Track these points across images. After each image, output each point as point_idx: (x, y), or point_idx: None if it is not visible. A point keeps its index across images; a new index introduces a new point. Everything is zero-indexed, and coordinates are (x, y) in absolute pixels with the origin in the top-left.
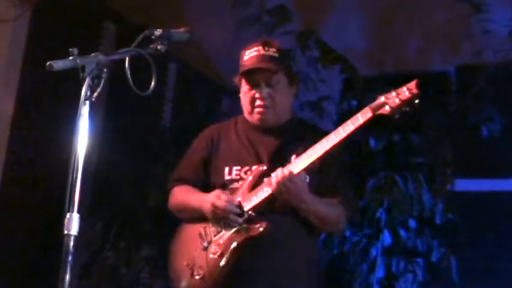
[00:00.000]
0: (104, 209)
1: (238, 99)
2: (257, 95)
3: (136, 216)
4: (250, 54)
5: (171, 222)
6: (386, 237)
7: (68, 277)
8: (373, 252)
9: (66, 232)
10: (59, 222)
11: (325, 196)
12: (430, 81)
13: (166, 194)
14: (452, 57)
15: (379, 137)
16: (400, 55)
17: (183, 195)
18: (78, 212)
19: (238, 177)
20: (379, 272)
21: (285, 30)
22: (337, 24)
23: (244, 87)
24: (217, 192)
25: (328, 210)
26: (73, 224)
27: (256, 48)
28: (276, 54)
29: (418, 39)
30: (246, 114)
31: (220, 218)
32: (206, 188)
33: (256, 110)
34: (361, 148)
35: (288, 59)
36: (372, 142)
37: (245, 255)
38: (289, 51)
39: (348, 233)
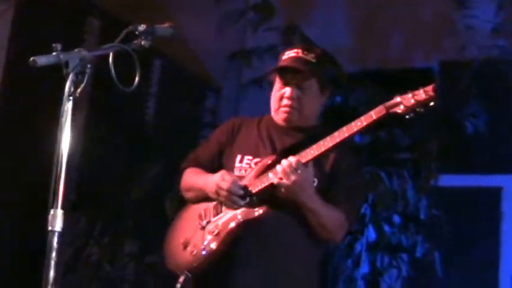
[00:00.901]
0: (88, 205)
1: (222, 96)
2: (286, 94)
3: (120, 212)
4: (289, 54)
5: (154, 218)
6: (371, 233)
7: (52, 274)
8: (358, 247)
9: (50, 228)
10: (42, 218)
11: (332, 202)
12: (413, 78)
13: (148, 188)
14: (436, 53)
15: (363, 132)
16: (384, 51)
17: (192, 176)
18: (62, 208)
19: (247, 166)
20: (364, 268)
21: (269, 26)
22: (321, 21)
23: (277, 84)
24: (222, 172)
25: (329, 214)
26: (57, 220)
27: (296, 50)
28: (313, 60)
29: (402, 36)
30: (272, 111)
31: (223, 198)
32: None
33: (282, 109)
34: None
35: (325, 68)
36: (356, 138)
37: (241, 241)
38: (331, 60)
39: None
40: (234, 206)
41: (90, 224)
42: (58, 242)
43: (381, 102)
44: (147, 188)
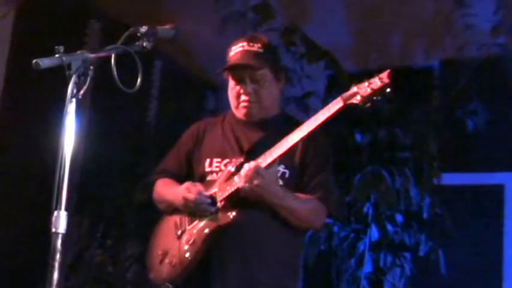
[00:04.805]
0: (91, 206)
1: (222, 96)
2: (242, 91)
3: (122, 214)
4: (235, 50)
5: (155, 219)
6: (374, 232)
7: (56, 275)
8: (361, 247)
9: (53, 230)
10: (46, 219)
11: (306, 192)
12: (414, 77)
13: (150, 190)
14: (436, 52)
15: (364, 131)
16: (385, 50)
17: (162, 189)
18: (66, 209)
19: (217, 169)
20: (367, 267)
21: (269, 27)
22: (321, 20)
23: (231, 82)
24: (187, 184)
25: (302, 206)
26: (60, 221)
27: (241, 44)
28: (260, 50)
29: (402, 35)
30: (232, 108)
31: (193, 209)
32: (189, 179)
33: (241, 105)
34: (347, 143)
35: (274, 54)
36: (357, 137)
37: (217, 247)
38: (275, 47)
39: (335, 228)
40: (205, 214)
41: (93, 226)
42: (62, 244)
43: (382, 101)
44: (149, 190)
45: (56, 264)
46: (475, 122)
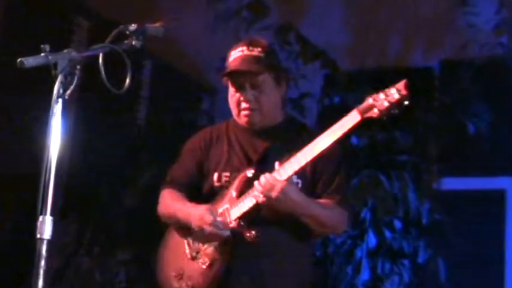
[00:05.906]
0: (78, 211)
1: (218, 98)
2: (242, 98)
3: (111, 219)
4: (234, 55)
5: (146, 224)
6: (371, 238)
7: (40, 283)
8: (358, 253)
9: (38, 236)
10: (31, 225)
11: (322, 198)
12: (413, 77)
13: (141, 194)
14: (436, 52)
15: (361, 134)
16: (383, 50)
17: (171, 204)
18: (51, 214)
19: (227, 183)
20: (364, 274)
21: (263, 25)
22: (318, 19)
23: (230, 89)
24: (202, 210)
25: (327, 213)
26: (46, 227)
27: (240, 49)
28: (261, 55)
29: (401, 34)
30: (234, 116)
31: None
32: (197, 191)
33: (243, 112)
34: (343, 145)
35: (275, 58)
36: (354, 139)
37: (235, 266)
38: (275, 50)
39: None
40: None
41: (80, 232)
42: (47, 250)
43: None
44: (139, 194)
45: (41, 271)
46: (476, 124)
